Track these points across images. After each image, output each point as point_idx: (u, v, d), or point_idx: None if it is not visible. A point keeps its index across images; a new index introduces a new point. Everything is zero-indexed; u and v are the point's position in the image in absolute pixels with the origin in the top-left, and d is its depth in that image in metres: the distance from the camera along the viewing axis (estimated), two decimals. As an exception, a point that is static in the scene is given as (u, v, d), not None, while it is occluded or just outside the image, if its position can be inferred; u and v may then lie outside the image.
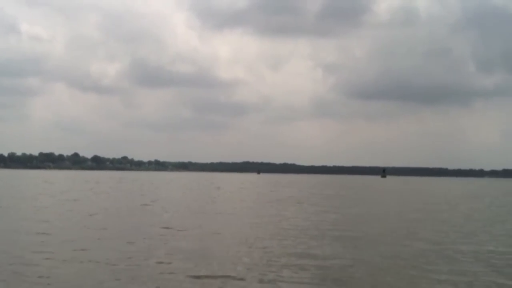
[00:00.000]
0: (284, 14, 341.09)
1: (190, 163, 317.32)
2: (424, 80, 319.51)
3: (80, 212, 23.68)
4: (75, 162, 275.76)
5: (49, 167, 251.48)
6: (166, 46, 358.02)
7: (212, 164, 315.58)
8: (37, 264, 11.68)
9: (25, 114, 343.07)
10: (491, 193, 63.63)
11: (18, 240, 15.20)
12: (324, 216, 24.46)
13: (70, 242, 14.68)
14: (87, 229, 17.68)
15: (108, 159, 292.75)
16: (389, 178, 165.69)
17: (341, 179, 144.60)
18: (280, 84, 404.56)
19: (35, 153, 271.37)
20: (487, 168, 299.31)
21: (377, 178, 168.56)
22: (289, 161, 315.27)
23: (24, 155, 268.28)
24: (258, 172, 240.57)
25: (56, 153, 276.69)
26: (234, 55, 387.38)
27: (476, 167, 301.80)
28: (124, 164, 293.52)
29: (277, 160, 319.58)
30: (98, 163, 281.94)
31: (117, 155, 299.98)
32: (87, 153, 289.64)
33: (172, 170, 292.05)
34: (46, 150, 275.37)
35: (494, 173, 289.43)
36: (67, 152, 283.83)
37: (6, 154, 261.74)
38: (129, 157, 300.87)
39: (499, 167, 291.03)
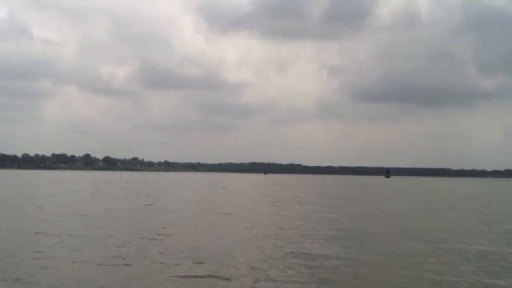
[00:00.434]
0: (288, 17, 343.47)
1: (198, 163, 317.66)
2: (427, 82, 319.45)
3: (82, 212, 23.65)
4: (87, 163, 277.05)
5: (61, 168, 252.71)
6: (174, 49, 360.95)
7: (220, 164, 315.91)
8: (25, 263, 11.58)
9: (38, 116, 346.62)
10: (492, 193, 63.08)
11: (12, 239, 15.12)
12: (322, 216, 24.27)
13: (65, 242, 14.63)
14: (85, 229, 17.60)
15: (119, 160, 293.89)
16: (393, 179, 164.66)
17: (346, 180, 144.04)
18: (286, 86, 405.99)
19: (48, 154, 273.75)
20: (489, 168, 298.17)
21: (381, 178, 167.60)
22: (295, 162, 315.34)
23: (37, 156, 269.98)
24: (265, 173, 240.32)
25: (68, 154, 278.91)
26: (240, 58, 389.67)
27: (479, 167, 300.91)
28: (134, 164, 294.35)
29: (284, 160, 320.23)
30: (109, 164, 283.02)
31: (128, 156, 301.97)
32: (99, 154, 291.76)
33: (181, 170, 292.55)
34: (59, 151, 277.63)
35: (496, 173, 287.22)
36: (79, 153, 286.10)
37: (19, 155, 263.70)
38: (139, 158, 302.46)
39: (501, 167, 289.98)
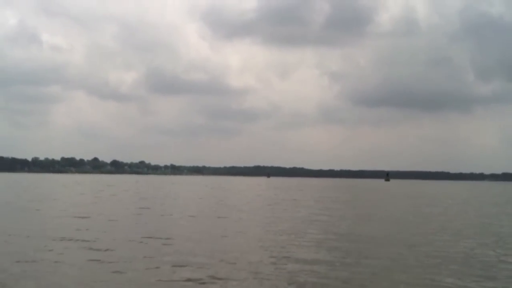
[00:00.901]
0: (291, 24, 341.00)
1: (204, 167, 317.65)
2: (426, 88, 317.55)
3: (80, 215, 23.40)
4: (95, 166, 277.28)
5: (70, 171, 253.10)
6: (180, 55, 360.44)
7: (225, 168, 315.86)
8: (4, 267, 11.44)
9: (47, 121, 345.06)
10: (488, 196, 62.62)
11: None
12: (315, 218, 24.00)
13: (52, 245, 14.45)
14: (78, 232, 17.36)
15: (126, 164, 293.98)
16: (393, 182, 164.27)
17: (347, 183, 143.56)
18: (288, 91, 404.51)
19: (57, 157, 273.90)
20: (487, 171, 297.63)
21: (381, 181, 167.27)
22: (298, 165, 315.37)
23: (46, 159, 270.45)
24: (268, 176, 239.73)
25: (77, 157, 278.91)
26: (244, 64, 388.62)
27: (477, 170, 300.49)
28: (141, 168, 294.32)
29: (287, 164, 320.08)
30: (117, 167, 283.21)
31: (135, 159, 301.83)
32: (107, 158, 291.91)
33: (187, 174, 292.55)
34: (68, 155, 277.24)
35: (494, 177, 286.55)
36: (87, 156, 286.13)
37: (30, 159, 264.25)
38: (146, 162, 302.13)
39: (498, 170, 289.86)
